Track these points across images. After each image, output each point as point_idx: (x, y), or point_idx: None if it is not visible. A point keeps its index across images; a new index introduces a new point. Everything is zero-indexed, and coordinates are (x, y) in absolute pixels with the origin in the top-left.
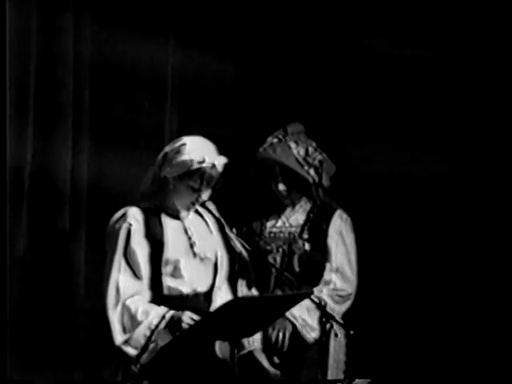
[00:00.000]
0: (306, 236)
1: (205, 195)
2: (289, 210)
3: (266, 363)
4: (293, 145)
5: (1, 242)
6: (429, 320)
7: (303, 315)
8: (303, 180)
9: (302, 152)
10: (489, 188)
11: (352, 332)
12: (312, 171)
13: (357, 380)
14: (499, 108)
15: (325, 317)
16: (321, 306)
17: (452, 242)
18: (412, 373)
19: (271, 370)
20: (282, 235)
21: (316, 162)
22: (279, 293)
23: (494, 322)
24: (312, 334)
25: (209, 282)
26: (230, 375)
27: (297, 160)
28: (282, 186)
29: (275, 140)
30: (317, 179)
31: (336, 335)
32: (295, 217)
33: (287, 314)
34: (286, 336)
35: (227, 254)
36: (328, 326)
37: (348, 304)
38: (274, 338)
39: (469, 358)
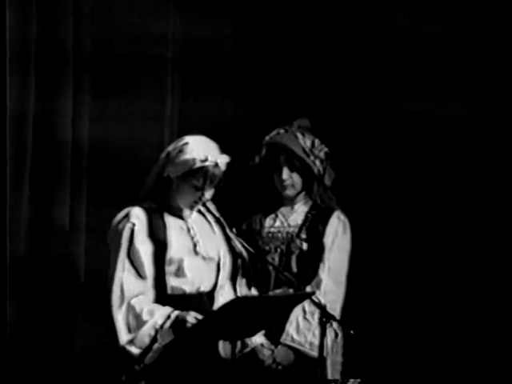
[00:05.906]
0: (303, 236)
1: (208, 194)
2: (288, 209)
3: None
4: (299, 135)
5: (1, 242)
6: (426, 320)
7: (307, 336)
8: (308, 170)
9: (309, 143)
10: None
11: (352, 332)
12: (318, 162)
13: (351, 380)
14: None
15: (325, 317)
16: (321, 306)
17: (451, 243)
18: (410, 373)
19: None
20: (280, 235)
21: (322, 155)
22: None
23: (493, 321)
24: (316, 350)
25: (212, 281)
26: (233, 375)
27: (303, 149)
28: (286, 175)
29: (282, 130)
30: (322, 171)
31: (336, 335)
32: (294, 217)
33: (289, 342)
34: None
35: (229, 253)
36: (328, 325)
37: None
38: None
39: (467, 357)
